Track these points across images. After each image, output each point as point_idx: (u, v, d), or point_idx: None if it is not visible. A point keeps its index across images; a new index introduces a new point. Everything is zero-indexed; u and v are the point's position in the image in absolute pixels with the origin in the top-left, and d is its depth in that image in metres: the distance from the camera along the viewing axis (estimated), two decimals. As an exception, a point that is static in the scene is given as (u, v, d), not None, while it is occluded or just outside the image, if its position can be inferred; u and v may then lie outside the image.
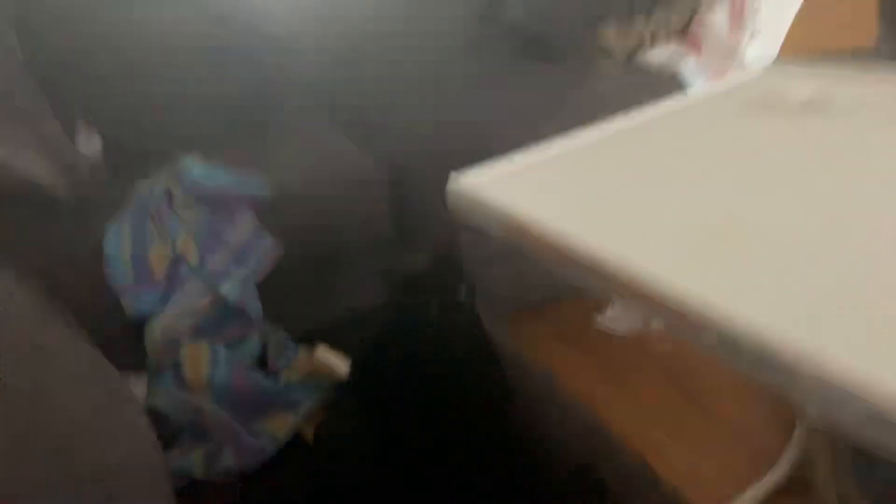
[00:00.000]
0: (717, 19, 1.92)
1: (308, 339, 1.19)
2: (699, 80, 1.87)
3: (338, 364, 1.15)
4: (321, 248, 1.38)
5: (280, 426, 1.03)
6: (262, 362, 1.17)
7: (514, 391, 1.01)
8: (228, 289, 1.19)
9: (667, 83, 1.83)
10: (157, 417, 1.07)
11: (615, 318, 1.77)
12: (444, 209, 0.71)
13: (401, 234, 1.48)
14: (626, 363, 1.66)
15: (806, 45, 1.91)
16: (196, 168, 1.28)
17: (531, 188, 0.68)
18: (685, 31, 1.98)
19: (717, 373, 1.58)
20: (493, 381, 1.01)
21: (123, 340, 1.18)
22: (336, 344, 1.17)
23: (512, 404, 0.97)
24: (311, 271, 1.39)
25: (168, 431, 1.06)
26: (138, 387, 1.14)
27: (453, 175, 0.71)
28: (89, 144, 1.48)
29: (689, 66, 1.89)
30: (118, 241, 1.22)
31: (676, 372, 1.61)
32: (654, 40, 1.95)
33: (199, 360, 1.10)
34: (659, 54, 1.94)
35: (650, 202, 0.60)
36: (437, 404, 0.89)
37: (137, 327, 1.18)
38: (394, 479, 0.79)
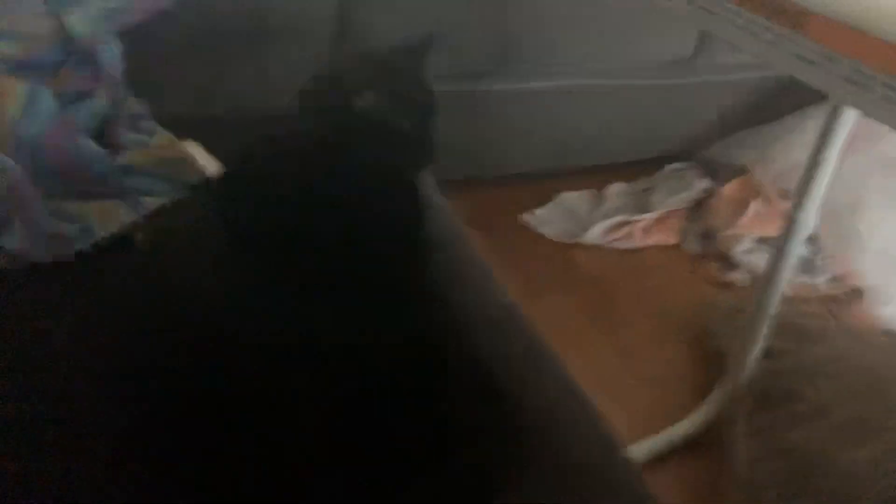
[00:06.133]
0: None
1: (177, 127, 0.88)
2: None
3: (206, 163, 0.86)
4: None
5: (103, 216, 0.73)
6: (102, 133, 0.85)
7: (431, 258, 0.77)
8: (76, 20, 0.85)
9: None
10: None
11: (545, 220, 1.55)
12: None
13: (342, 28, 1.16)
14: (544, 273, 1.46)
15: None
16: None
17: None
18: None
19: (639, 311, 1.41)
20: (407, 227, 0.76)
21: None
22: (213, 145, 0.88)
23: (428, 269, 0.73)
24: (205, 44, 1.06)
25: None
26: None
27: None
28: None
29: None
30: None
31: (595, 297, 1.42)
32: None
33: (8, 99, 0.77)
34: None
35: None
36: (325, 236, 0.64)
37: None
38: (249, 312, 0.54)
